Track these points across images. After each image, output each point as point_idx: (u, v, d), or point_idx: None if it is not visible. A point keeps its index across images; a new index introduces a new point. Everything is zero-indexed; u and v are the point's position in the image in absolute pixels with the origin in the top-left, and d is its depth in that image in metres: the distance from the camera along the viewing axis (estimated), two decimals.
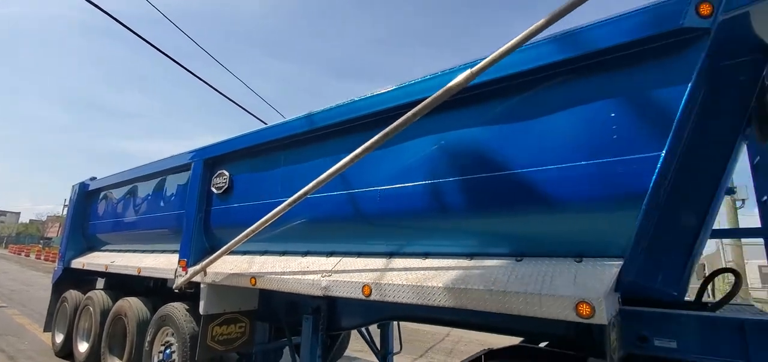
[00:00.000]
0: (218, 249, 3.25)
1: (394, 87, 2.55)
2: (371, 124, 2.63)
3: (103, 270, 5.14)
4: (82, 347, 5.05)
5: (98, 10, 5.27)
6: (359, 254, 2.76)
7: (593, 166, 1.79)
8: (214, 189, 3.88)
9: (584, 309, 1.60)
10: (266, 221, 2.79)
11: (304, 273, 2.86)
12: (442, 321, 2.68)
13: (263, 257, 3.40)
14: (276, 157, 3.42)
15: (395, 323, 4.50)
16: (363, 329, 4.53)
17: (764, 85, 2.10)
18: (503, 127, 2.13)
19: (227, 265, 3.45)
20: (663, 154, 1.63)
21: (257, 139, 3.54)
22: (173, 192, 4.43)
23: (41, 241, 51.63)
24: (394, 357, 4.61)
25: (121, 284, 5.23)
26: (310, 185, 2.54)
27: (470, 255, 2.23)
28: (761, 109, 2.13)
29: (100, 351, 4.61)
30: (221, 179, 3.82)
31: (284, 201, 2.69)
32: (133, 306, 4.36)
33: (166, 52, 6.56)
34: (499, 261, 2.08)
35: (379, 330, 4.54)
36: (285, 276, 2.95)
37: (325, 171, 2.46)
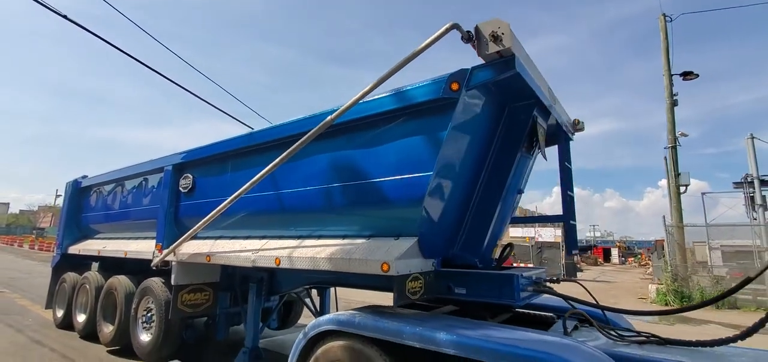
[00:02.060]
0: (184, 236, 4.34)
1: (296, 119, 3.59)
2: (287, 144, 3.67)
3: (96, 254, 6.19)
4: (80, 318, 6.13)
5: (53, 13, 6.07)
6: (280, 237, 3.84)
7: (403, 179, 2.87)
8: (181, 189, 4.91)
9: (385, 267, 2.69)
10: (214, 214, 3.84)
11: (242, 251, 3.94)
12: (328, 282, 3.82)
13: (218, 241, 4.46)
14: (225, 164, 4.45)
15: (332, 291, 5.63)
16: (307, 299, 5.69)
17: (535, 120, 3.20)
18: (362, 150, 3.18)
19: (191, 247, 4.51)
20: (432, 174, 2.70)
21: (212, 150, 4.56)
22: (151, 190, 5.45)
23: (34, 232, 52.08)
24: None
25: (111, 265, 6.26)
26: (243, 188, 3.58)
27: (344, 236, 3.32)
28: (531, 135, 3.22)
29: (95, 319, 5.69)
30: (186, 181, 4.85)
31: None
32: (121, 282, 5.43)
33: (136, 57, 7.41)
34: (357, 240, 3.18)
35: (318, 297, 5.67)
36: (229, 254, 4.03)
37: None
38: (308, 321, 6.80)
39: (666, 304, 12.15)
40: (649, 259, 29.84)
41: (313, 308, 5.53)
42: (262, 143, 3.98)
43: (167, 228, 4.93)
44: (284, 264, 3.45)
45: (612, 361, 2.17)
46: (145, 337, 4.88)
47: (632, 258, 40.83)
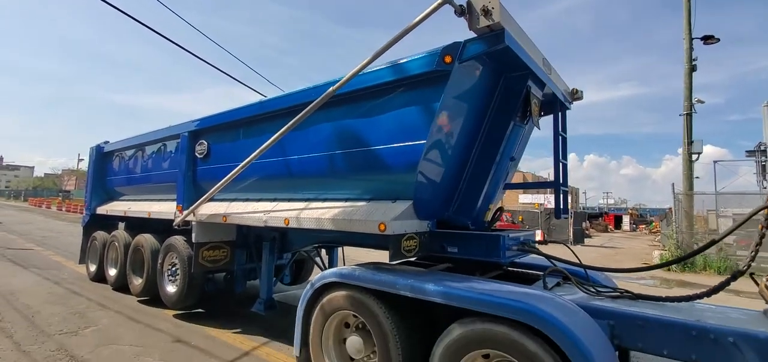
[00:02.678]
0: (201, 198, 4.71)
1: (302, 89, 3.79)
2: (294, 112, 3.89)
3: (123, 215, 6.67)
4: (112, 272, 6.71)
5: None
6: (290, 200, 4.16)
7: (399, 147, 3.09)
8: (197, 154, 5.24)
9: (382, 227, 2.98)
10: (229, 178, 4.15)
11: (254, 212, 4.28)
12: (333, 241, 4.16)
13: (233, 203, 4.82)
14: (237, 131, 4.73)
15: (340, 250, 6.00)
16: (317, 257, 6.10)
17: (528, 90, 3.34)
18: (362, 119, 3.40)
19: (209, 208, 4.88)
20: (426, 142, 2.91)
21: (224, 118, 4.83)
22: (169, 155, 5.81)
23: (61, 194, 54.44)
24: None
25: (136, 225, 6.75)
26: (254, 154, 3.86)
27: (346, 199, 3.60)
28: (525, 105, 3.37)
29: (126, 273, 6.24)
30: (202, 147, 5.16)
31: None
32: (147, 240, 5.91)
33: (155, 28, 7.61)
34: (358, 203, 3.46)
35: (327, 256, 6.07)
36: (243, 214, 4.38)
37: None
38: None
39: (668, 270, 12.34)
40: (657, 227, 29.74)
41: (322, 265, 5.94)
42: (271, 112, 4.22)
43: (186, 191, 5.30)
44: (292, 224, 3.77)
45: (581, 310, 2.44)
46: (171, 288, 5.38)
47: (643, 226, 40.68)
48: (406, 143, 3.02)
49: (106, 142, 7.70)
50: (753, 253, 2.58)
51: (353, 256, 6.38)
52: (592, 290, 3.02)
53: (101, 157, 7.69)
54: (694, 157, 14.34)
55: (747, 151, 14.46)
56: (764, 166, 13.57)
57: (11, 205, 44.31)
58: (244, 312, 5.46)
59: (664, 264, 3.43)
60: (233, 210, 4.62)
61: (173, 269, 5.42)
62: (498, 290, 2.55)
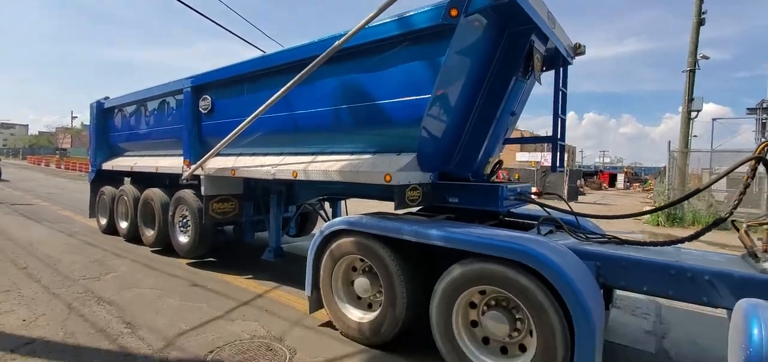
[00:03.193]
0: (208, 153, 4.84)
1: (307, 43, 3.82)
2: (299, 67, 3.94)
3: (129, 170, 6.82)
4: (123, 224, 6.96)
5: None
6: (296, 154, 4.29)
7: (404, 101, 3.19)
8: (201, 110, 5.30)
9: (387, 178, 3.14)
10: (235, 133, 4.27)
11: (262, 166, 4.43)
12: (338, 193, 4.34)
13: (240, 157, 4.95)
14: (241, 86, 4.78)
15: (343, 203, 6.23)
16: (321, 210, 6.33)
17: (532, 45, 3.40)
18: (368, 74, 3.46)
19: (216, 163, 5.03)
20: (430, 96, 3.01)
21: (227, 73, 4.85)
22: (172, 111, 5.87)
23: (58, 152, 54.25)
24: None
25: (143, 180, 6.91)
26: (260, 109, 3.96)
27: (352, 153, 3.75)
28: (528, 60, 3.45)
29: (137, 225, 6.49)
30: (205, 102, 5.22)
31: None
32: (156, 193, 6.10)
33: None
34: (364, 156, 3.60)
35: (331, 208, 6.30)
36: (251, 168, 4.54)
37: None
38: None
39: (657, 225, 12.76)
40: (652, 185, 30.19)
41: (326, 217, 6.19)
42: (275, 66, 4.25)
43: (192, 146, 5.42)
44: (300, 177, 3.94)
45: (570, 253, 2.67)
46: (183, 239, 5.63)
47: (637, 184, 41.27)
48: (411, 97, 3.12)
49: (107, 98, 7.69)
50: (736, 202, 2.78)
51: (357, 209, 6.63)
52: (582, 236, 3.25)
53: (102, 113, 7.71)
54: (693, 114, 14.40)
55: (748, 109, 14.50)
56: (764, 123, 13.65)
57: (11, 163, 44.31)
58: (254, 261, 5.75)
59: (651, 211, 3.67)
60: (241, 164, 4.76)
61: (184, 221, 5.64)
62: (496, 234, 2.77)
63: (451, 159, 3.64)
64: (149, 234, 6.27)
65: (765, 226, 2.56)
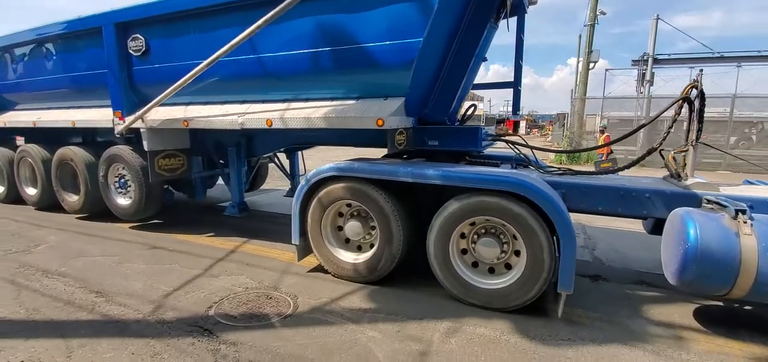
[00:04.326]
0: (147, 102, 4.29)
1: None
2: (263, 3, 3.59)
3: (31, 126, 5.65)
4: (31, 191, 5.87)
5: None
6: (262, 101, 4.03)
7: (394, 44, 3.19)
8: (132, 52, 4.57)
9: (380, 122, 3.20)
10: (187, 79, 3.82)
11: (225, 115, 4.09)
12: (320, 141, 4.27)
13: (190, 107, 4.46)
14: (186, 24, 4.19)
15: (300, 154, 6.08)
16: (277, 161, 6.09)
17: None
18: (352, 15, 3.33)
19: (162, 114, 4.47)
20: (421, 40, 3.07)
21: (166, 8, 4.19)
22: (89, 53, 4.92)
23: None
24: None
25: (47, 138, 5.80)
26: (222, 50, 3.58)
27: (332, 98, 3.67)
28: (501, 5, 3.64)
29: (53, 190, 5.54)
30: (137, 43, 4.50)
31: (200, 62, 3.71)
32: (76, 153, 5.22)
33: None
34: (348, 101, 3.56)
35: (288, 160, 6.11)
36: (212, 118, 4.16)
37: (228, 40, 3.48)
38: (271, 186, 7.35)
39: (561, 163, 14.87)
40: (550, 130, 34.39)
41: (283, 170, 6.00)
42: (233, 3, 3.82)
43: (124, 95, 4.71)
44: (276, 125, 3.76)
45: (546, 183, 3.10)
46: (123, 201, 5.00)
47: (536, 130, 46.65)
48: (402, 41, 3.13)
49: None
50: (665, 135, 3.45)
51: (315, 158, 6.46)
52: (543, 170, 3.75)
53: None
54: (591, 65, 16.54)
55: (633, 61, 17.05)
56: (644, 73, 16.27)
57: None
58: (207, 219, 5.41)
59: (602, 146, 4.28)
60: (194, 114, 4.32)
61: (122, 181, 4.99)
62: (489, 171, 3.07)
63: (428, 103, 3.78)
64: (73, 199, 5.43)
65: (683, 153, 3.26)
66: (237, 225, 5.13)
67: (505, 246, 3.00)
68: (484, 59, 4.18)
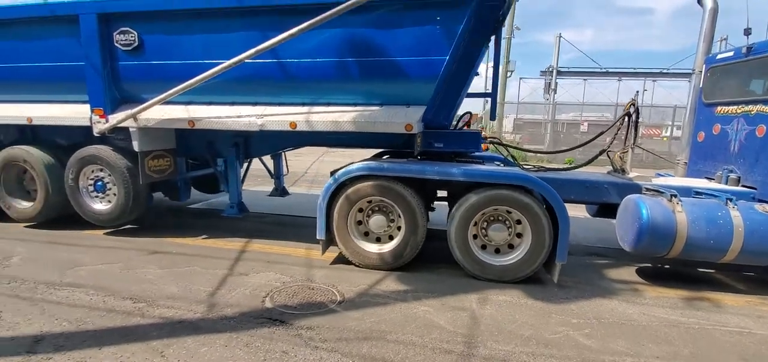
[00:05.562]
0: (131, 99, 4.21)
1: None
2: (286, 10, 3.76)
3: None
4: None
5: None
6: (280, 104, 4.17)
7: (420, 59, 3.68)
8: (120, 46, 4.27)
9: (409, 127, 3.66)
10: (206, 76, 3.81)
11: (240, 116, 4.12)
12: (342, 143, 4.59)
13: (192, 106, 4.35)
14: (189, 24, 4.10)
15: (284, 155, 6.14)
16: (262, 162, 6.08)
17: (498, 19, 4.27)
18: (380, 30, 3.71)
19: (159, 113, 4.27)
20: (447, 58, 3.61)
21: (170, 4, 4.06)
22: (60, 43, 4.41)
23: None
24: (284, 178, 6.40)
25: None
26: (248, 53, 3.66)
27: (355, 104, 4.01)
28: (496, 25, 4.32)
29: None
30: (128, 37, 4.23)
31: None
32: (30, 152, 4.62)
33: None
34: (372, 107, 3.94)
35: (272, 160, 6.13)
36: (223, 119, 4.15)
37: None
38: (252, 186, 7.21)
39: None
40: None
41: (268, 170, 6.03)
42: (250, 6, 3.89)
43: (106, 91, 4.36)
44: (301, 128, 3.96)
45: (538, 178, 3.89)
46: (100, 205, 4.59)
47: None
48: (429, 57, 3.63)
49: None
50: (612, 140, 4.52)
51: (299, 160, 6.40)
52: (523, 168, 4.59)
53: None
54: (509, 74, 18.92)
55: (541, 71, 19.91)
56: (549, 83, 19.08)
57: None
58: (192, 223, 5.23)
59: (567, 150, 5.30)
60: (200, 114, 4.24)
61: (99, 184, 4.57)
62: (502, 170, 3.82)
63: (440, 111, 4.34)
64: (22, 207, 4.78)
65: (627, 153, 4.35)
66: (226, 227, 5.07)
67: (510, 230, 3.71)
68: (477, 73, 4.87)
